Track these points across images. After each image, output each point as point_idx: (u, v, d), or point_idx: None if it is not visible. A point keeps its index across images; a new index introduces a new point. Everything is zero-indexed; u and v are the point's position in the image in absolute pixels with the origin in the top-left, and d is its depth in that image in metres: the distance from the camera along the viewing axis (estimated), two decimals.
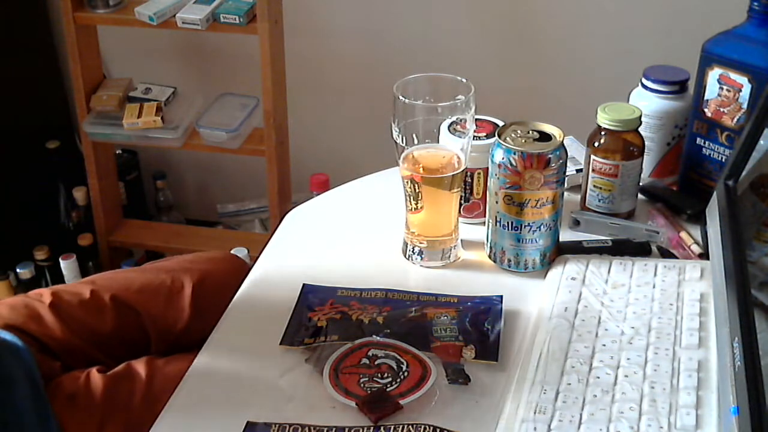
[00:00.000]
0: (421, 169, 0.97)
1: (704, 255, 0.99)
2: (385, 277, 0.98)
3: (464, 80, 0.95)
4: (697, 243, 1.02)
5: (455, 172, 0.97)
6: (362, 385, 0.81)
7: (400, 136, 0.96)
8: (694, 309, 0.88)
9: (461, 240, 1.03)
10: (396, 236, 1.04)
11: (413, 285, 0.97)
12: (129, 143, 2.20)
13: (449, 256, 1.02)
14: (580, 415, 0.76)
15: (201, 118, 2.07)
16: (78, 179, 2.26)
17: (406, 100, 0.93)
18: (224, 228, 2.45)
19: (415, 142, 0.97)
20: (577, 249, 1.01)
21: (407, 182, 0.98)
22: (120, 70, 2.30)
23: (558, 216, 0.97)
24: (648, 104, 1.10)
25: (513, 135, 0.94)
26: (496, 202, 0.95)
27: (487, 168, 0.97)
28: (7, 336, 0.96)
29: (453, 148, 0.97)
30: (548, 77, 2.15)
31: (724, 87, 1.02)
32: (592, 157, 1.06)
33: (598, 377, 0.80)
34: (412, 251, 1.02)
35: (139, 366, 0.98)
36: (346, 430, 0.77)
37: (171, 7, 1.93)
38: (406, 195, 0.99)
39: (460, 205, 1.02)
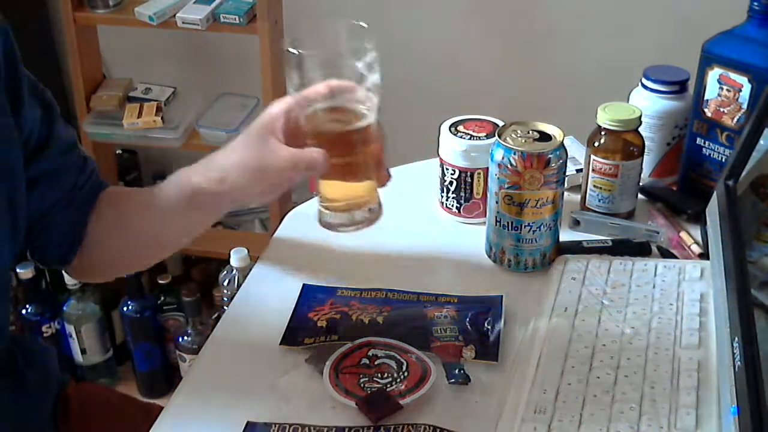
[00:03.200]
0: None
1: (704, 255, 0.99)
2: (385, 277, 0.98)
3: (364, 24, 0.85)
4: (697, 243, 1.02)
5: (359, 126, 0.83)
6: (362, 385, 0.81)
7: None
8: (694, 309, 0.88)
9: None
10: (396, 236, 1.03)
11: (413, 285, 0.97)
12: (129, 143, 2.20)
13: (363, 220, 0.87)
14: (580, 415, 0.76)
15: (201, 118, 2.07)
16: None
17: (299, 52, 0.81)
18: (224, 228, 2.45)
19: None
20: (577, 249, 1.01)
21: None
22: (120, 70, 2.29)
23: (558, 216, 0.97)
24: (648, 104, 1.10)
25: (513, 135, 0.94)
26: (496, 202, 0.95)
27: (487, 168, 0.97)
28: None
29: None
30: (548, 77, 2.15)
31: (724, 87, 1.02)
32: (592, 157, 1.06)
33: (598, 377, 0.80)
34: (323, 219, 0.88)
35: None
36: (346, 430, 0.77)
37: (171, 7, 1.93)
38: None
39: (460, 205, 1.02)
